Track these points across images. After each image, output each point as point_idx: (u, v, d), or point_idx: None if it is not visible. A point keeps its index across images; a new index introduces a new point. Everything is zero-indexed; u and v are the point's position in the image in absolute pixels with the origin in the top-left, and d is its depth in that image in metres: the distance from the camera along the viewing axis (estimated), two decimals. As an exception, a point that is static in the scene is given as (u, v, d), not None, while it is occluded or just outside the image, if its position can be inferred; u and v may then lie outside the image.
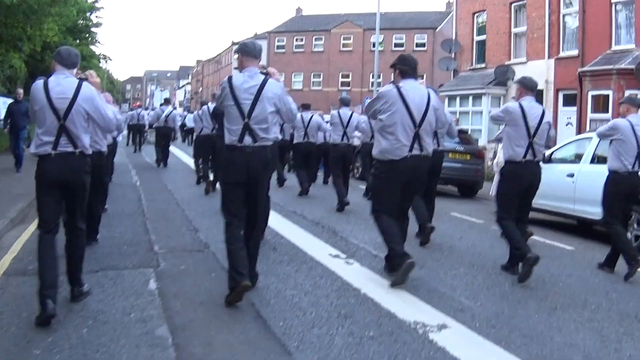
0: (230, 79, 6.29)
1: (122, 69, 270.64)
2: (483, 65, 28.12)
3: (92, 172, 6.27)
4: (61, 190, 5.75)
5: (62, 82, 5.72)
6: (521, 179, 7.86)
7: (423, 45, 60.25)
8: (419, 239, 9.58)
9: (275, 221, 10.65)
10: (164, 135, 22.34)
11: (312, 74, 65.17)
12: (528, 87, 8.01)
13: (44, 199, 5.75)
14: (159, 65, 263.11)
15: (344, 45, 64.02)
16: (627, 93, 17.96)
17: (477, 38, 29.00)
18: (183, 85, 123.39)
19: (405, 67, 7.22)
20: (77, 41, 34.42)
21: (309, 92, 59.88)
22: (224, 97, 6.31)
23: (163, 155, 22.16)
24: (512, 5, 26.57)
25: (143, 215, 11.29)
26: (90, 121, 5.94)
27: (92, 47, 39.65)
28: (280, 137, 9.83)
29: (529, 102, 7.89)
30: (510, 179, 7.98)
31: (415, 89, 7.09)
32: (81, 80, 5.94)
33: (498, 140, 10.11)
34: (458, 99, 27.92)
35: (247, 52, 6.35)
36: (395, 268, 7.00)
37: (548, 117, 8.07)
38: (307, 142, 15.89)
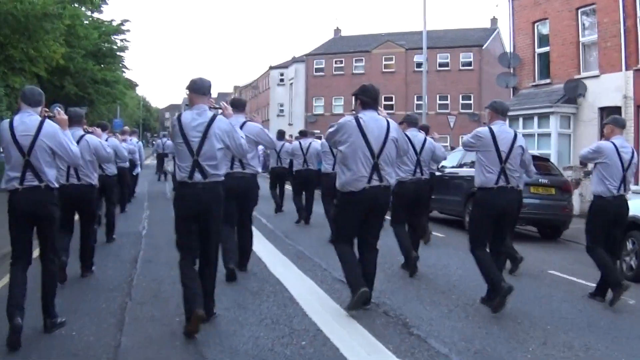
0: (179, 116, 6.49)
1: (161, 96, 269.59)
2: (548, 80, 24.77)
3: (81, 205, 8.59)
4: (30, 223, 6.15)
5: (26, 120, 6.11)
6: (493, 205, 7.73)
7: (469, 64, 57.25)
8: (407, 271, 9.63)
9: (262, 247, 11.37)
10: None
11: (353, 97, 61.47)
12: (499, 111, 7.99)
13: (15, 232, 6.15)
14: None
15: (386, 66, 61.11)
16: None
17: (539, 50, 25.64)
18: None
19: (366, 98, 7.35)
20: (100, 66, 31.80)
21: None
22: (174, 135, 6.63)
23: None
24: (579, 10, 23.24)
25: (127, 295, 8.09)
26: (57, 156, 6.28)
27: (118, 72, 37.22)
28: (259, 170, 9.74)
29: (499, 126, 7.85)
30: (482, 206, 7.92)
31: (374, 120, 7.21)
32: (45, 117, 6.29)
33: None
34: (521, 120, 24.65)
35: (195, 89, 6.59)
36: (352, 295, 7.16)
37: (520, 141, 7.94)
38: (306, 170, 16.00)
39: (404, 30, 66.93)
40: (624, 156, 8.38)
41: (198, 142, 6.36)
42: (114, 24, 34.98)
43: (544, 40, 25.41)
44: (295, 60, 69.58)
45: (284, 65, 72.68)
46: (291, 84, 68.56)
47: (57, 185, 6.37)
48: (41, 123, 6.14)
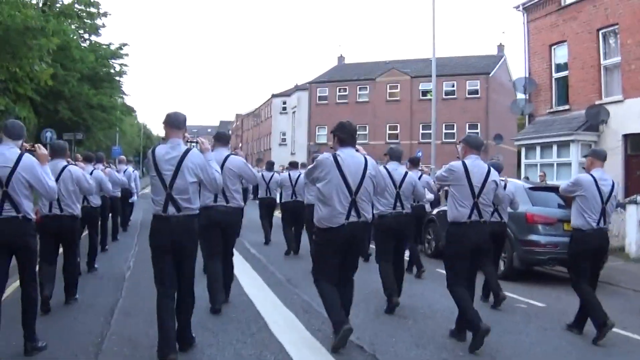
0: (153, 150, 6.59)
1: (161, 124, 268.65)
2: (566, 106, 23.52)
3: (64, 235, 8.93)
4: (8, 252, 6.38)
5: (6, 153, 6.36)
6: (466, 240, 7.69)
7: (476, 92, 55.96)
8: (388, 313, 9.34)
9: (247, 277, 11.61)
10: None
11: (357, 126, 60.00)
12: (472, 145, 7.98)
13: None
14: (199, 120, 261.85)
15: (391, 94, 59.62)
16: None
17: (556, 75, 24.42)
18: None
19: (343, 135, 7.39)
20: (96, 90, 30.59)
21: (353, 144, 55.51)
22: (148, 168, 6.76)
23: None
24: (600, 32, 22.07)
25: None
26: (34, 189, 6.54)
27: (115, 97, 35.97)
28: (242, 204, 9.70)
29: (473, 160, 7.83)
30: (455, 241, 7.82)
31: (351, 157, 7.25)
32: (25, 151, 6.53)
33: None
34: (538, 149, 23.38)
35: (170, 123, 6.68)
36: (335, 333, 7.12)
37: (494, 176, 7.92)
38: (294, 201, 15.68)
39: (409, 57, 66.08)
40: (603, 189, 8.35)
41: (171, 176, 6.46)
42: (112, 47, 33.87)
43: (561, 64, 24.20)
44: (298, 88, 68.65)
45: (287, 93, 71.81)
46: (294, 112, 67.50)
47: (34, 217, 6.58)
48: (20, 156, 6.38)
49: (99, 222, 13.18)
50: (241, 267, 10.79)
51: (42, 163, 6.63)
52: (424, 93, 57.41)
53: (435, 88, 32.61)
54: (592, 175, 8.42)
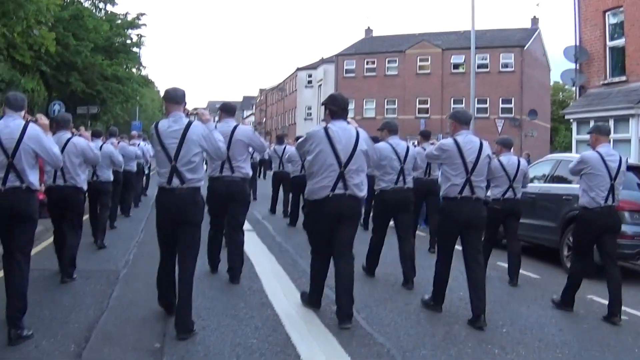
0: (156, 124, 6.78)
1: (186, 99, 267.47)
2: (623, 77, 21.10)
3: (67, 206, 8.98)
4: (10, 223, 6.23)
5: (10, 124, 6.30)
6: (457, 215, 7.58)
7: (510, 65, 53.91)
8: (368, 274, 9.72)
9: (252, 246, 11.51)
10: None
11: (385, 100, 59.18)
12: (462, 120, 7.81)
13: None
14: (222, 95, 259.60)
15: (421, 67, 57.85)
16: None
17: (611, 43, 21.99)
18: (247, 116, 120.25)
19: (335, 108, 7.35)
20: (109, 60, 28.86)
21: (382, 120, 53.31)
22: (152, 142, 6.97)
23: None
24: (663, -5, 19.76)
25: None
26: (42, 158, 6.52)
27: (134, 69, 34.23)
28: (250, 173, 9.43)
29: (464, 136, 7.67)
30: (445, 215, 7.78)
31: (343, 130, 7.21)
32: (28, 121, 6.46)
33: None
34: (592, 124, 21.12)
35: (169, 98, 6.86)
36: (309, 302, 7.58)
37: (487, 150, 7.74)
38: (303, 175, 14.23)
39: (439, 30, 63.98)
40: (611, 165, 8.12)
41: (175, 148, 6.53)
42: (129, 17, 32.15)
43: (617, 31, 21.84)
44: (324, 61, 67.05)
45: (312, 66, 70.37)
46: (319, 85, 65.90)
47: (38, 187, 6.56)
48: (25, 126, 6.35)
49: (110, 197, 12.82)
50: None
51: (44, 132, 6.68)
52: (456, 66, 55.96)
53: (474, 61, 30.17)
54: (598, 152, 8.20)
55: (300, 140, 7.77)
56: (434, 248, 12.02)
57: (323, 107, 7.60)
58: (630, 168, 11.36)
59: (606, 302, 8.26)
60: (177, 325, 6.33)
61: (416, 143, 14.36)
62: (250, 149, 9.55)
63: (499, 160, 10.10)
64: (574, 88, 23.89)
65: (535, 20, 59.69)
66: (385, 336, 6.71)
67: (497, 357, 6.33)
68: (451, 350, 6.41)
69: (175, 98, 6.83)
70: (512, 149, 10.64)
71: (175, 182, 6.54)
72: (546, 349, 6.66)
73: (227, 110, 9.43)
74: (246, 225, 13.47)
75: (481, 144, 7.69)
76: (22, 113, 6.60)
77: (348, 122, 7.39)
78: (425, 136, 12.81)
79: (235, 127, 9.03)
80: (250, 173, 9.50)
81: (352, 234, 7.41)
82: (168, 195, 6.61)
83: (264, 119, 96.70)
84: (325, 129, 7.19)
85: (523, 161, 10.56)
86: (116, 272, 9.30)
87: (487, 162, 7.78)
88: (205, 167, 9.62)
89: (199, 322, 6.66)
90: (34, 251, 7.24)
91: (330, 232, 7.23)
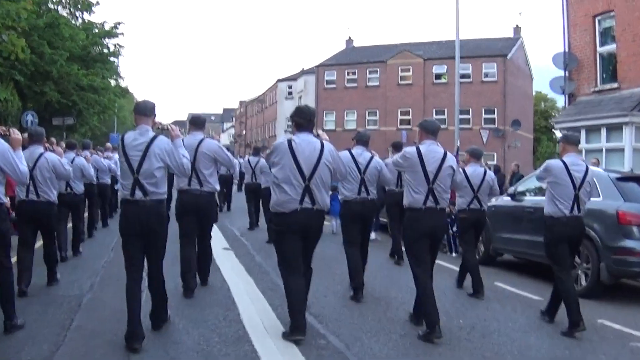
0: (122, 136, 6.88)
1: (165, 112, 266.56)
2: (614, 84, 20.58)
3: (40, 221, 9.04)
4: None
5: None
6: (422, 226, 7.61)
7: (493, 75, 53.56)
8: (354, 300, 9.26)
9: (228, 262, 11.62)
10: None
11: (367, 111, 58.59)
12: (428, 130, 7.84)
13: None
14: (202, 108, 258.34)
15: (402, 77, 57.29)
16: None
17: (601, 49, 21.48)
18: (227, 128, 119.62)
19: (300, 120, 7.34)
20: (85, 70, 28.07)
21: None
22: (119, 154, 7.28)
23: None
24: (656, 0, 19.23)
25: None
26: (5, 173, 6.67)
27: (111, 79, 33.42)
28: (217, 188, 9.43)
29: (428, 145, 7.71)
30: (411, 227, 7.75)
31: (307, 142, 7.18)
32: None
33: None
34: (583, 133, 20.46)
35: (138, 110, 6.92)
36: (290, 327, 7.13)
37: (450, 161, 7.74)
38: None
39: (421, 40, 63.67)
40: (576, 175, 8.14)
41: (138, 161, 6.61)
42: (107, 26, 31.35)
43: (608, 37, 21.36)
44: (304, 72, 66.62)
45: (293, 78, 69.97)
46: (300, 97, 65.31)
47: (5, 201, 6.77)
48: None
49: (83, 209, 13.30)
50: (222, 253, 11.18)
51: (14, 148, 6.76)
52: (438, 76, 55.69)
53: (458, 71, 29.54)
54: (562, 161, 8.22)
55: (268, 152, 7.75)
56: (396, 256, 12.82)
57: (290, 119, 7.68)
58: (637, 179, 10.85)
59: (619, 325, 8.37)
60: (153, 320, 6.98)
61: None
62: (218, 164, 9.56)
63: (464, 170, 10.18)
64: (562, 96, 23.20)
65: (517, 30, 59.49)
66: (332, 331, 7.27)
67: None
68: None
69: (144, 110, 6.90)
70: (481, 160, 10.68)
71: (138, 194, 6.63)
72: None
73: (195, 123, 9.53)
74: (223, 243, 13.96)
75: (445, 155, 7.73)
76: None
77: (317, 135, 7.46)
78: (397, 147, 12.18)
79: (200, 141, 9.13)
80: (218, 187, 9.54)
81: (314, 248, 7.49)
82: (131, 207, 6.70)
83: (244, 131, 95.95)
84: (289, 141, 7.19)
85: (490, 172, 10.64)
86: (79, 297, 8.59)
87: (450, 174, 7.78)
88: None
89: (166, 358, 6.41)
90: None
91: (301, 245, 7.20)
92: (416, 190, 7.61)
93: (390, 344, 6.84)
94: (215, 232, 15.11)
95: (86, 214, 14.89)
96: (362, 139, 10.15)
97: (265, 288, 9.20)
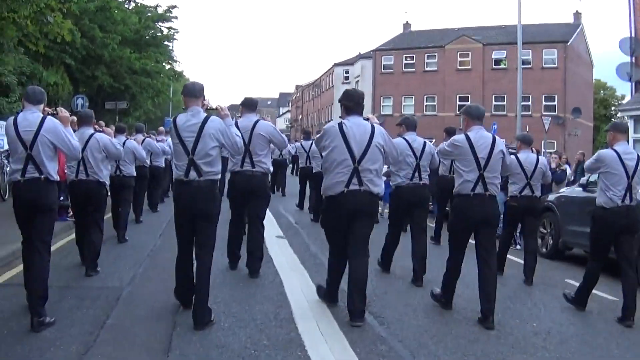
0: (175, 119, 7.00)
1: (222, 96, 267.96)
2: (684, 71, 19.66)
3: (89, 201, 9.12)
4: (30, 213, 6.54)
5: (29, 117, 6.61)
6: (470, 213, 7.49)
7: (553, 62, 52.32)
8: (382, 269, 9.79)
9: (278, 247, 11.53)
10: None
11: (425, 97, 57.77)
12: (474, 116, 7.71)
13: (19, 220, 6.68)
14: (258, 92, 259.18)
15: (461, 63, 56.32)
16: None
17: (671, 34, 20.55)
18: (283, 113, 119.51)
19: (349, 103, 7.34)
20: (136, 54, 28.09)
21: (421, 117, 51.98)
22: (171, 136, 7.13)
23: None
24: None
25: None
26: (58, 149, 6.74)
27: (164, 63, 33.27)
28: (271, 169, 9.52)
29: (476, 132, 7.56)
30: (458, 213, 7.71)
31: (357, 125, 7.17)
32: (47, 115, 6.76)
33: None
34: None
35: (187, 92, 6.98)
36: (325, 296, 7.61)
37: (500, 145, 7.61)
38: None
39: (480, 24, 62.54)
40: (628, 163, 7.95)
41: (193, 142, 6.67)
42: (160, 10, 31.23)
43: (678, 21, 20.36)
44: (361, 57, 65.97)
45: (349, 62, 69.40)
46: (357, 82, 64.76)
47: (56, 178, 6.75)
48: (43, 119, 6.61)
49: (132, 193, 13.03)
50: (276, 242, 11.13)
51: (64, 125, 6.85)
52: (497, 62, 54.74)
53: (520, 57, 29.11)
54: (615, 150, 8.03)
55: (317, 136, 7.78)
56: (436, 240, 13.07)
57: (339, 103, 7.59)
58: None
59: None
60: (195, 317, 6.55)
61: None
62: (272, 145, 9.54)
63: (517, 157, 10.06)
64: (629, 83, 22.20)
65: (577, 15, 57.91)
66: (395, 336, 6.64)
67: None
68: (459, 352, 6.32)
69: (193, 92, 6.94)
70: (531, 146, 10.59)
71: (193, 174, 6.70)
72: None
73: (247, 105, 9.51)
74: (277, 232, 13.50)
75: (494, 140, 7.61)
76: (41, 107, 6.81)
77: (366, 118, 7.39)
78: (450, 133, 12.22)
79: (256, 122, 9.11)
80: (271, 168, 9.62)
81: (368, 231, 7.33)
82: (185, 188, 6.75)
83: (300, 116, 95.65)
84: (340, 125, 7.19)
85: (542, 159, 10.52)
86: (118, 291, 8.00)
87: (500, 158, 7.64)
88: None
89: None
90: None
91: (346, 229, 7.17)
92: (467, 177, 7.49)
93: (459, 353, 6.26)
94: (269, 219, 14.63)
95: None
96: (412, 124, 10.07)
97: (321, 283, 8.30)
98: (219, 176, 6.97)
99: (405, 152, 9.30)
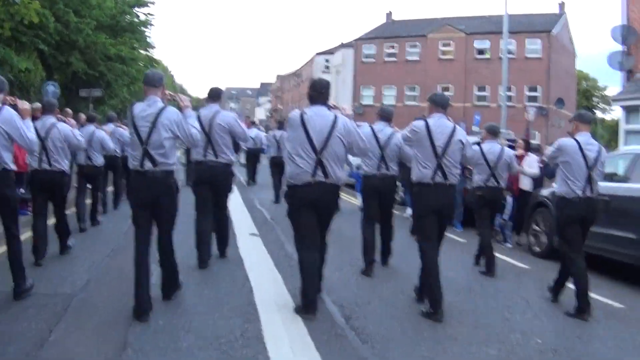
0: (131, 107, 6.93)
1: (201, 86, 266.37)
2: (678, 61, 19.07)
3: (52, 190, 9.16)
4: None
5: None
6: (430, 201, 7.52)
7: (536, 51, 51.83)
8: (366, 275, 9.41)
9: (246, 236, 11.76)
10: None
11: (405, 87, 57.38)
12: (438, 103, 7.78)
13: None
14: (239, 82, 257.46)
15: (443, 52, 56.02)
16: None
17: (663, 22, 19.96)
18: (263, 103, 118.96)
19: (313, 93, 7.31)
20: (111, 40, 27.17)
21: (402, 107, 51.63)
22: (128, 125, 7.28)
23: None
24: None
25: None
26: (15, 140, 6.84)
27: (140, 50, 32.45)
28: (233, 159, 9.61)
29: (437, 119, 7.63)
30: (420, 200, 7.68)
31: (319, 115, 7.11)
32: (4, 105, 6.83)
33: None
34: (640, 112, 18.97)
35: (147, 81, 6.98)
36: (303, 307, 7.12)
37: (460, 135, 7.61)
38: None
39: (463, 14, 62.08)
40: (589, 154, 7.96)
41: (147, 132, 6.66)
42: (136, -4, 30.33)
43: (672, 8, 19.76)
44: (342, 46, 65.75)
45: (330, 51, 69.16)
46: (337, 71, 64.14)
47: (12, 167, 6.91)
48: (0, 109, 6.70)
49: (103, 181, 13.73)
50: (249, 240, 11.01)
51: (23, 117, 6.99)
52: (480, 52, 54.41)
53: (506, 46, 28.24)
54: (576, 140, 8.05)
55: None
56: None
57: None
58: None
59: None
60: (164, 290, 7.04)
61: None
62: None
63: (480, 147, 10.17)
64: (617, 72, 21.60)
65: (562, 5, 57.75)
66: (379, 357, 5.95)
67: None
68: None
69: (152, 81, 6.93)
70: (498, 136, 10.72)
71: (147, 164, 6.67)
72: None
73: (211, 95, 9.62)
74: (251, 228, 12.99)
75: (454, 129, 7.60)
76: (1, 96, 6.86)
77: (330, 107, 7.31)
78: (382, 116, 11.37)
79: (216, 112, 9.18)
80: (234, 159, 9.68)
81: (329, 222, 7.36)
82: (141, 178, 6.73)
83: (280, 106, 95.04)
84: (301, 114, 7.15)
85: (507, 150, 10.57)
86: (68, 298, 7.13)
87: (460, 148, 7.63)
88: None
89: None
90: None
91: (316, 219, 7.15)
92: (424, 164, 7.51)
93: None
94: (244, 214, 14.94)
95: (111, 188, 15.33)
96: (385, 115, 10.10)
97: (294, 289, 7.69)
98: (175, 166, 6.98)
99: (369, 141, 8.93)
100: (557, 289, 8.41)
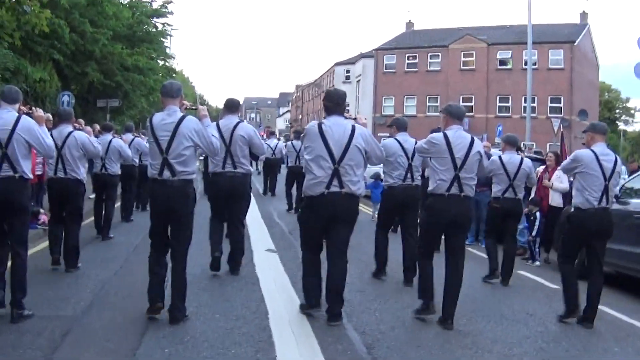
0: (151, 117, 7.02)
1: (221, 96, 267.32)
2: None
3: (67, 198, 9.22)
4: (3, 211, 6.66)
5: (4, 116, 6.74)
6: (443, 213, 7.44)
7: (559, 62, 51.48)
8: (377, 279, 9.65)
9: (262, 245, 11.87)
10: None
11: (427, 97, 56.90)
12: (454, 115, 7.63)
13: None
14: (258, 92, 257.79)
15: (465, 63, 55.56)
16: None
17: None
18: (283, 113, 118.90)
19: (329, 104, 7.35)
20: (128, 50, 27.04)
21: (424, 118, 51.34)
22: (148, 134, 7.56)
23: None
24: None
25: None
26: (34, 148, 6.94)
27: (158, 60, 32.25)
28: (252, 169, 10.03)
29: (455, 131, 7.50)
30: (432, 212, 7.60)
31: (337, 125, 7.16)
32: (22, 113, 6.93)
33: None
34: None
35: (165, 92, 7.04)
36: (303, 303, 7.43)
37: (478, 147, 7.57)
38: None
39: (484, 24, 61.69)
40: (605, 165, 7.77)
41: (167, 141, 6.71)
42: (155, 5, 30.42)
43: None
44: (362, 56, 65.44)
45: (351, 61, 68.91)
46: (358, 81, 64.20)
47: (31, 177, 6.95)
48: (18, 118, 6.75)
49: (117, 191, 13.46)
50: (265, 257, 10.77)
51: (39, 124, 7.04)
52: (502, 62, 53.94)
53: (530, 57, 28.02)
54: (592, 151, 7.89)
55: (302, 136, 7.98)
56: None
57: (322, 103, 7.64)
58: None
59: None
60: (171, 313, 6.68)
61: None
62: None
63: (500, 158, 10.21)
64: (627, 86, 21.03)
65: (584, 15, 57.09)
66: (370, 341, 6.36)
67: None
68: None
69: (170, 92, 6.97)
70: (516, 148, 10.62)
71: (166, 174, 6.72)
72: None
73: (229, 106, 9.64)
74: (269, 243, 12.55)
75: (472, 140, 7.55)
76: (17, 106, 6.95)
77: (347, 118, 7.33)
78: (399, 126, 11.25)
79: (237, 124, 9.23)
80: (252, 169, 9.79)
81: (347, 234, 7.28)
82: (159, 187, 6.79)
83: (300, 116, 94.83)
84: (319, 125, 7.17)
85: (527, 161, 10.40)
86: (68, 322, 6.64)
87: (477, 160, 7.57)
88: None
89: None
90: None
91: (323, 230, 7.20)
92: (442, 177, 7.42)
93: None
94: (261, 227, 14.50)
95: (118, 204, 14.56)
96: (403, 125, 10.06)
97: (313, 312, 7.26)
98: (194, 176, 7.03)
99: (397, 152, 9.42)
100: (590, 315, 7.81)
